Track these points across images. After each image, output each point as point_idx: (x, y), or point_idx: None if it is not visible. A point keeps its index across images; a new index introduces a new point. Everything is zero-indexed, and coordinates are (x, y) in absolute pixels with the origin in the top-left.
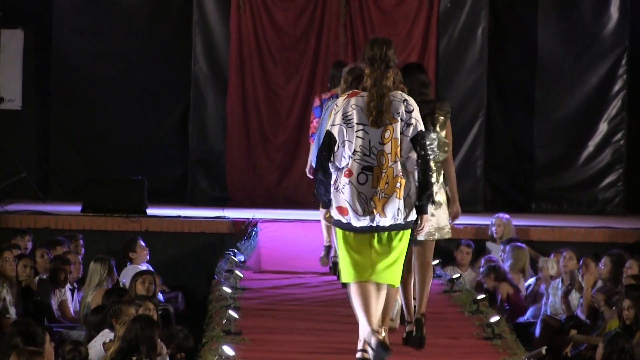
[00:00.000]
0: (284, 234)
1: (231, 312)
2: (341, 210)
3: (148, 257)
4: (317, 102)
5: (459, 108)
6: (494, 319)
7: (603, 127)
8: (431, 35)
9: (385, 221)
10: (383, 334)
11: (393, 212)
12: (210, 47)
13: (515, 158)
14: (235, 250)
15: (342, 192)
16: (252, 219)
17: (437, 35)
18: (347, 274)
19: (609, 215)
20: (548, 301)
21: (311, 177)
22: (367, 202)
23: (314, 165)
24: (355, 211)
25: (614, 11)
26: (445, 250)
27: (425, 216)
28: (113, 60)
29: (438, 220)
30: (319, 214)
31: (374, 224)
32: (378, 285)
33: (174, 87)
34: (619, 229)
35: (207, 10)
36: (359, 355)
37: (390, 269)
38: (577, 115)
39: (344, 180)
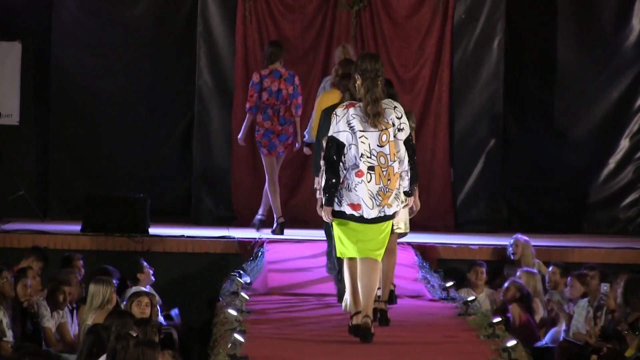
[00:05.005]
0: (291, 254)
1: (237, 336)
2: (354, 206)
3: (153, 279)
4: (257, 78)
5: (474, 124)
6: (511, 343)
7: (624, 144)
8: (445, 47)
9: (390, 210)
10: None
11: (395, 203)
12: (215, 59)
13: (533, 176)
14: (241, 272)
15: (355, 190)
16: (259, 239)
17: (451, 48)
18: (345, 250)
19: (631, 236)
20: (571, 321)
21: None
22: (374, 196)
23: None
24: (367, 205)
25: (636, 23)
26: (459, 272)
27: (412, 197)
28: (114, 74)
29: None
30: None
31: (382, 214)
32: (371, 262)
33: (178, 102)
34: None
35: (212, 22)
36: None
37: (382, 249)
38: (598, 131)
39: (356, 180)
